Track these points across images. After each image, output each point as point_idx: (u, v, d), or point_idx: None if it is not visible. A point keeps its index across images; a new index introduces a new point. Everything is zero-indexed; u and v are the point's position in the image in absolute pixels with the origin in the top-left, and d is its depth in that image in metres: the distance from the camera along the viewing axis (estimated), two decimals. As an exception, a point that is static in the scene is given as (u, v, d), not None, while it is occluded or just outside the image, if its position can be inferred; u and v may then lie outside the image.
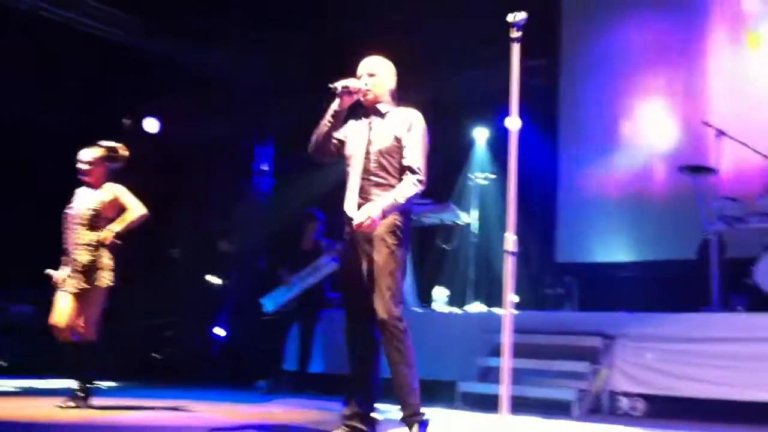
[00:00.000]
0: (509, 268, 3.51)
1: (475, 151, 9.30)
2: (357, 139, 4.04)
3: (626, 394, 6.04)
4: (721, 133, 6.99)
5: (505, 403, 3.37)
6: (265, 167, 11.00)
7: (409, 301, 7.87)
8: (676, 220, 7.79)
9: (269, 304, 7.53)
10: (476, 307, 7.77)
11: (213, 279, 10.81)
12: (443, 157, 9.44)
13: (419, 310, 7.77)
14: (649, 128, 8.46)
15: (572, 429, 5.18)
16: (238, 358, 9.05)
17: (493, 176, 8.46)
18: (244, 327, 9.51)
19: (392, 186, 3.91)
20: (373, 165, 3.95)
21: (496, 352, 6.56)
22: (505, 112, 9.19)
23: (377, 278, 3.86)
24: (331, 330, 7.70)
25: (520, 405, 5.73)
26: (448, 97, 9.40)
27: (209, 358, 9.76)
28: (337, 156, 4.12)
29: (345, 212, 3.95)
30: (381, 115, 4.08)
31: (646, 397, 6.00)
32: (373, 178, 3.95)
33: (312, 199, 8.53)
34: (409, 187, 3.87)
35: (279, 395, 6.90)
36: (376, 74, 4.11)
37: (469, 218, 8.20)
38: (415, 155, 3.94)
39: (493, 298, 8.50)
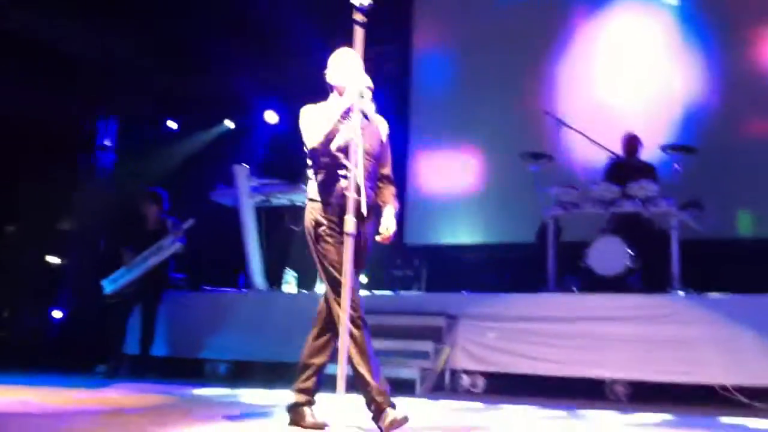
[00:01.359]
0: (349, 249, 3.51)
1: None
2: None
3: (467, 372, 6.23)
4: (559, 121, 7.31)
5: (341, 382, 3.36)
6: (107, 143, 10.55)
7: (257, 282, 7.80)
8: (517, 205, 8.08)
9: (109, 285, 7.23)
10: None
11: (52, 259, 10.29)
12: (297, 136, 9.46)
13: (267, 291, 7.70)
14: (495, 115, 8.70)
15: (414, 406, 5.27)
16: (76, 342, 8.66)
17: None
18: (84, 309, 9.11)
19: (370, 189, 3.96)
20: (368, 164, 3.92)
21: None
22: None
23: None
24: (176, 312, 7.51)
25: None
26: (302, 78, 9.31)
27: (47, 341, 9.31)
28: None
29: (344, 203, 3.74)
30: (366, 116, 4.00)
31: (486, 374, 6.22)
32: (366, 176, 3.89)
33: (156, 178, 8.25)
34: (396, 201, 4.09)
35: (119, 380, 6.66)
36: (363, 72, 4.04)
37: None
38: (391, 165, 4.13)
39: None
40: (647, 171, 6.89)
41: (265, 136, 9.85)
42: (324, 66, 4.15)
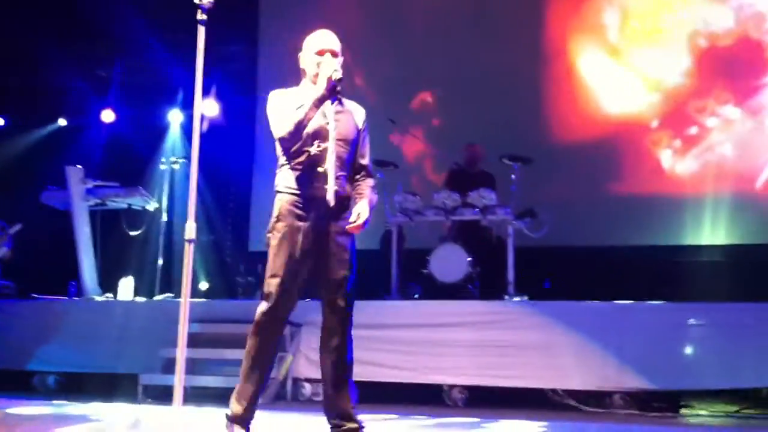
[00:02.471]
0: (188, 256, 3.38)
1: (169, 135, 9.01)
2: (321, 123, 3.68)
3: (309, 380, 6.16)
4: (403, 130, 7.42)
5: (178, 394, 3.24)
6: None
7: (91, 289, 7.43)
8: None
9: None
10: (164, 296, 7.51)
11: None
12: (136, 139, 9.14)
13: (101, 299, 7.34)
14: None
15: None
16: None
17: (184, 161, 8.24)
18: None
19: (344, 178, 3.71)
20: (341, 151, 3.70)
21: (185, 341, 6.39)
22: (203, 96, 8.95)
23: (345, 272, 3.78)
24: (1, 321, 7.03)
25: (205, 395, 5.69)
26: (142, 78, 9.01)
27: None
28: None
29: (315, 194, 3.62)
30: (341, 102, 3.79)
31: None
32: (339, 166, 3.69)
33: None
34: (374, 193, 3.80)
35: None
36: (339, 55, 3.81)
37: (158, 204, 7.89)
38: (369, 156, 3.89)
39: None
40: (486, 180, 7.09)
41: (102, 137, 9.43)
42: (154, 65, 3.95)
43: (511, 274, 6.52)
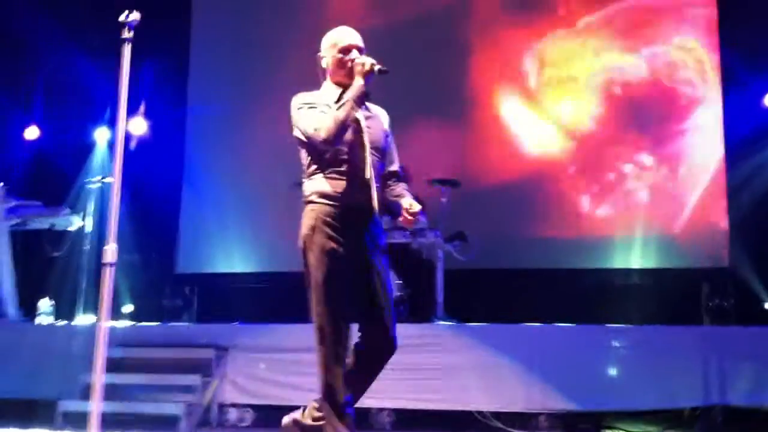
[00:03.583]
0: (107, 280, 3.29)
1: (96, 153, 8.82)
2: (352, 128, 3.42)
3: (235, 405, 6.07)
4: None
5: (95, 421, 3.14)
6: None
7: (9, 312, 7.18)
8: (289, 233, 8.05)
9: None
10: (86, 319, 7.30)
11: None
12: (61, 157, 8.90)
13: (19, 322, 7.10)
14: (272, 141, 8.65)
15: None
16: None
17: (110, 179, 8.05)
18: None
19: (379, 189, 3.46)
20: (375, 159, 3.45)
21: (106, 367, 6.21)
22: (130, 113, 8.78)
23: (388, 294, 3.43)
24: None
25: (126, 422, 5.53)
26: (68, 94, 8.82)
27: None
28: None
29: (354, 203, 3.36)
30: (367, 107, 3.55)
31: (256, 407, 6.08)
32: (375, 173, 3.44)
33: None
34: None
35: None
36: (365, 52, 3.54)
37: (83, 223, 7.69)
38: (398, 161, 3.65)
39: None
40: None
41: (25, 154, 9.17)
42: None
43: (440, 297, 6.55)
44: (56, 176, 8.67)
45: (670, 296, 7.58)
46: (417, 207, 3.37)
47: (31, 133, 9.08)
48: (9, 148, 9.26)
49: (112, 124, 8.83)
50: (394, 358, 5.83)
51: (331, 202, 3.36)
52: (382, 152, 3.52)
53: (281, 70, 8.61)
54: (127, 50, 3.46)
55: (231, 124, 8.96)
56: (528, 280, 7.86)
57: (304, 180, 3.51)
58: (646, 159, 8.24)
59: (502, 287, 7.63)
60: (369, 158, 3.38)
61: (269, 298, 8.20)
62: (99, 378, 3.22)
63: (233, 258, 8.74)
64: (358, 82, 3.38)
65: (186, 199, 9.03)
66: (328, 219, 3.35)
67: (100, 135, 8.86)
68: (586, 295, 7.60)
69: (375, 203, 3.36)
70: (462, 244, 6.87)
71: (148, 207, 8.81)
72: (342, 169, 3.38)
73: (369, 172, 3.37)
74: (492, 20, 8.67)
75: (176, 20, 9.03)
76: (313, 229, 3.36)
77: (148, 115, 8.83)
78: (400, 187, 3.57)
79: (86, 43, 8.37)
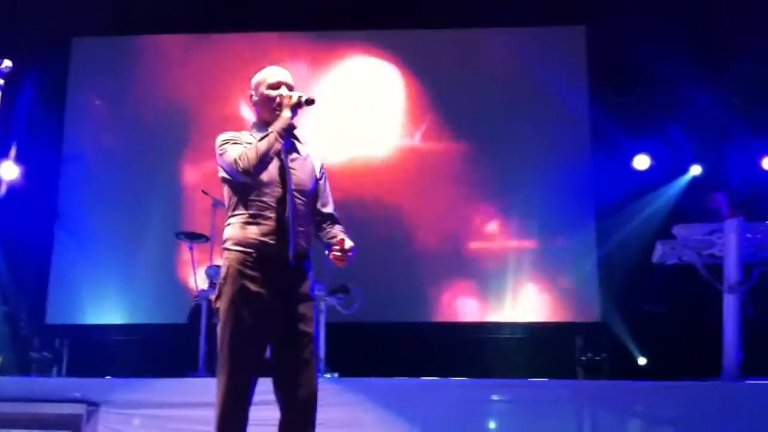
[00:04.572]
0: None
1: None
2: (276, 169, 3.28)
3: (106, 464, 5.79)
4: (218, 202, 7.29)
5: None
6: None
7: None
8: (170, 285, 7.89)
9: None
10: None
11: None
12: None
13: None
14: (152, 192, 8.48)
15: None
16: None
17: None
18: None
19: (302, 234, 3.29)
20: (298, 203, 3.29)
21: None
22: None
23: (311, 341, 3.24)
24: None
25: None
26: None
27: None
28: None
29: (271, 251, 3.20)
30: (295, 147, 3.40)
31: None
32: (299, 218, 3.28)
33: None
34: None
35: None
36: (294, 90, 3.41)
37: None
38: (332, 204, 3.48)
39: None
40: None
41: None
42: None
43: (322, 350, 6.50)
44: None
45: (545, 350, 7.80)
46: (349, 243, 3.27)
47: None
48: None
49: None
50: (274, 413, 5.75)
51: (245, 249, 3.23)
52: (308, 195, 3.38)
53: (163, 115, 8.50)
54: None
55: (108, 169, 8.73)
56: (408, 333, 7.93)
57: (225, 225, 3.37)
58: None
59: (384, 341, 7.66)
60: (290, 202, 3.26)
61: (146, 352, 7.93)
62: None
63: (107, 309, 8.43)
64: (285, 115, 3.29)
65: (58, 246, 8.68)
66: (241, 267, 3.20)
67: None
68: (464, 348, 7.73)
69: (291, 250, 3.22)
70: (345, 297, 6.86)
71: (18, 254, 8.44)
72: (262, 213, 3.25)
73: (287, 217, 3.24)
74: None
75: (53, 64, 8.80)
76: (225, 277, 3.23)
77: (20, 159, 8.48)
78: (336, 229, 3.42)
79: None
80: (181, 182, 8.47)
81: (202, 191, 7.44)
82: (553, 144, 8.52)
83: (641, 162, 8.42)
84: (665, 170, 8.38)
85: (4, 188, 8.44)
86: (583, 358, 7.78)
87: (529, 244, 8.46)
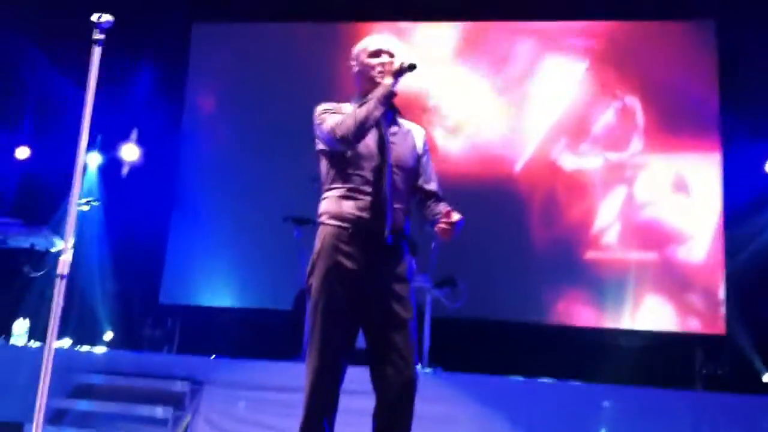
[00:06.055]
0: (59, 293, 3.08)
1: (86, 178, 8.68)
2: (375, 143, 3.16)
3: (209, 442, 5.82)
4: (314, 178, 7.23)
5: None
6: None
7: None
8: (278, 270, 7.91)
9: None
10: (61, 343, 7.09)
11: None
12: (48, 178, 8.75)
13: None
14: (262, 178, 8.54)
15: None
16: None
17: (96, 203, 7.90)
18: None
19: (401, 212, 3.16)
20: (397, 179, 3.16)
21: (76, 393, 6.02)
22: (121, 138, 8.65)
23: (405, 324, 3.06)
24: None
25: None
26: (60, 115, 8.70)
27: None
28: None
29: (367, 227, 3.09)
30: (396, 122, 3.29)
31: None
32: (395, 196, 3.15)
33: None
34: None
35: None
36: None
37: (65, 245, 7.49)
38: (437, 181, 3.32)
39: (85, 333, 7.89)
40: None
41: (15, 174, 9.02)
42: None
43: (426, 344, 6.34)
44: (43, 198, 8.52)
45: (664, 360, 7.40)
46: (457, 216, 3.06)
47: (22, 153, 8.95)
48: (-2, 169, 9.12)
49: (103, 149, 8.73)
50: (364, 405, 5.66)
51: (340, 224, 3.10)
52: (408, 171, 3.22)
53: (280, 101, 8.55)
54: (97, 52, 3.26)
55: (226, 154, 8.87)
56: (517, 332, 7.68)
57: (320, 198, 3.25)
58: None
59: (489, 338, 7.44)
60: (388, 177, 3.10)
61: (254, 335, 8.00)
62: (42, 401, 2.98)
63: (219, 292, 8.56)
64: (387, 81, 3.14)
65: (175, 228, 8.88)
66: (336, 242, 3.08)
67: (91, 159, 8.73)
68: (576, 352, 7.41)
69: (388, 226, 3.07)
70: (452, 291, 6.69)
71: (136, 234, 8.66)
72: (359, 187, 3.11)
73: (385, 192, 3.08)
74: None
75: (173, 49, 8.99)
76: (319, 252, 3.11)
77: (141, 141, 8.72)
78: (441, 206, 3.22)
79: (78, 68, 8.29)
80: (295, 169, 8.47)
81: (312, 178, 7.40)
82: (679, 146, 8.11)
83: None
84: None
85: (126, 169, 8.69)
86: (704, 370, 7.33)
87: (652, 254, 8.05)
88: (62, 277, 3.09)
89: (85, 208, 7.69)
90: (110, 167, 8.78)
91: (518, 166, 8.41)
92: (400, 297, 3.09)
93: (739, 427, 5.27)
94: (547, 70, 8.54)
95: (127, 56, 8.27)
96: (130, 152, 8.71)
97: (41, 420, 2.99)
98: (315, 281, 3.09)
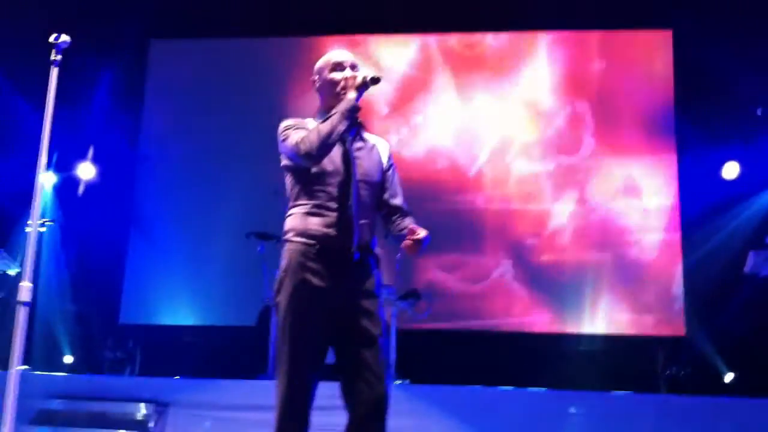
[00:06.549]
0: (21, 320, 3.02)
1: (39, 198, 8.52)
2: (340, 158, 3.12)
3: (173, 465, 5.74)
4: (279, 192, 7.19)
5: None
6: None
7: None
8: (241, 287, 7.85)
9: None
10: (18, 368, 6.91)
11: None
12: (2, 200, 8.57)
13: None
14: (225, 193, 8.47)
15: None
16: None
17: (51, 223, 7.75)
18: None
19: (367, 227, 3.11)
20: (363, 194, 3.12)
21: (37, 420, 5.86)
22: (75, 157, 8.48)
23: (377, 339, 3.01)
24: None
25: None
26: (12, 135, 8.54)
27: None
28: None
29: (333, 244, 3.03)
30: (361, 136, 3.24)
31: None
32: (363, 210, 3.11)
33: None
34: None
35: None
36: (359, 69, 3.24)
37: (20, 268, 7.35)
38: (402, 195, 3.28)
39: (43, 357, 7.74)
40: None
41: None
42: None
43: (392, 356, 6.34)
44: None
45: (625, 364, 7.48)
46: (423, 232, 3.01)
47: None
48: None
49: (58, 168, 8.58)
50: (342, 419, 5.62)
51: (307, 241, 3.04)
52: (374, 186, 3.19)
53: (239, 116, 8.50)
54: (54, 73, 3.24)
55: (185, 170, 8.77)
56: (482, 341, 7.72)
57: (286, 215, 3.19)
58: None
59: (455, 348, 7.46)
60: (354, 192, 3.07)
61: (218, 354, 7.92)
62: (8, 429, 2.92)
63: (181, 310, 8.44)
64: (350, 96, 3.10)
65: (133, 247, 8.75)
66: (303, 259, 3.02)
67: (46, 179, 8.57)
68: (539, 358, 7.47)
69: (355, 242, 3.03)
70: (416, 302, 6.70)
71: (94, 254, 8.53)
72: (325, 203, 3.07)
73: (352, 208, 3.05)
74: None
75: (130, 64, 8.88)
76: (286, 270, 3.05)
77: (96, 159, 8.59)
78: (407, 221, 3.19)
79: (32, 88, 8.16)
80: (255, 184, 8.43)
81: (274, 191, 7.36)
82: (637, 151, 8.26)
83: (730, 170, 8.00)
84: (756, 178, 7.96)
85: (81, 188, 8.55)
86: (667, 372, 7.43)
87: (610, 255, 8.15)
88: (24, 304, 3.00)
89: (42, 229, 7.59)
90: (66, 186, 8.61)
91: (472, 172, 8.46)
92: (370, 313, 3.04)
93: (701, 429, 5.34)
94: (504, 77, 8.62)
95: (83, 73, 8.14)
96: (85, 170, 8.57)
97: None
98: (283, 299, 3.04)
